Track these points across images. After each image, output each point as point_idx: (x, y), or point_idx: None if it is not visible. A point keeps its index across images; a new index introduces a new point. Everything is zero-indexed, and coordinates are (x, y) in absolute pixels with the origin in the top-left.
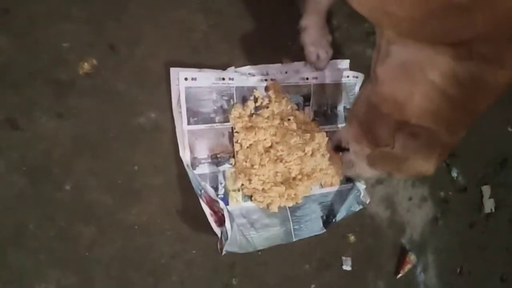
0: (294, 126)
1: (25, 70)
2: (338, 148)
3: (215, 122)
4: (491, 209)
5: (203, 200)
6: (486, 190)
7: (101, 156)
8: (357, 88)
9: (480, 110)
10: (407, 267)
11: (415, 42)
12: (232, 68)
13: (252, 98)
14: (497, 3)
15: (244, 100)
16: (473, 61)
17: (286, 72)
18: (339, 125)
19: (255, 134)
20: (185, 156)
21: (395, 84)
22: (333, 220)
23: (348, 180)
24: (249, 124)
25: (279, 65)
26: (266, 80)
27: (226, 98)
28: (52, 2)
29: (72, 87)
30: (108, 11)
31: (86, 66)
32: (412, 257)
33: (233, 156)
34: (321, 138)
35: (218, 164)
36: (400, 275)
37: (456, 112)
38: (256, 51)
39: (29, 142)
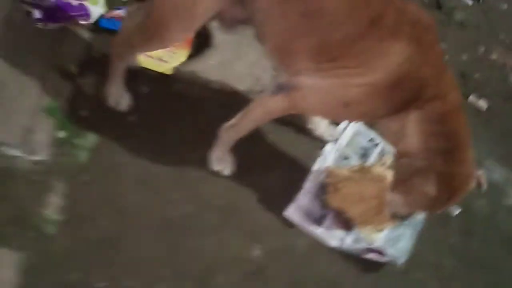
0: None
1: None
2: None
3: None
4: None
5: (367, 256)
6: None
7: None
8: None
9: (466, 134)
10: None
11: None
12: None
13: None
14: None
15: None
16: (429, 103)
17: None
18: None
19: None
20: (333, 243)
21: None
22: None
23: None
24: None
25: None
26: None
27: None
28: None
29: None
30: None
31: None
32: None
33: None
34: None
35: (350, 232)
36: None
37: (447, 145)
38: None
39: None
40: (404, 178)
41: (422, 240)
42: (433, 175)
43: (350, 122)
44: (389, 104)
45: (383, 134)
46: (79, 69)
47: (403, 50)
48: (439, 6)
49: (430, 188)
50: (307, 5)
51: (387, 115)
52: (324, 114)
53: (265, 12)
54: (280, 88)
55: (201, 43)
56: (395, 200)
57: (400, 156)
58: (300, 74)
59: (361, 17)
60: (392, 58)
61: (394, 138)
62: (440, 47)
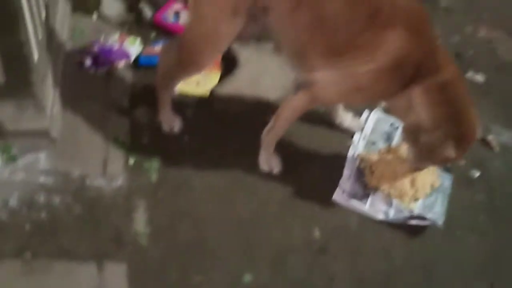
0: (390, 157)
1: None
2: None
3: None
4: None
5: (410, 222)
6: None
7: None
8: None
9: (465, 96)
10: None
11: None
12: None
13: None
14: None
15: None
16: (428, 77)
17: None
18: None
19: (386, 182)
20: (380, 216)
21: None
22: None
23: None
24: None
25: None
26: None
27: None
28: None
29: None
30: None
31: None
32: None
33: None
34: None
35: (391, 205)
36: None
37: (450, 108)
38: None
39: None
40: (426, 152)
41: (453, 202)
42: (449, 141)
43: (365, 104)
44: (394, 84)
45: (395, 114)
46: (131, 104)
47: (400, 37)
48: None
49: (450, 152)
50: (312, 13)
51: (394, 93)
52: (342, 101)
53: (277, 24)
54: (300, 86)
55: (229, 64)
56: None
57: (411, 128)
58: (314, 71)
59: (360, 15)
60: (391, 45)
61: (405, 114)
62: (433, 30)
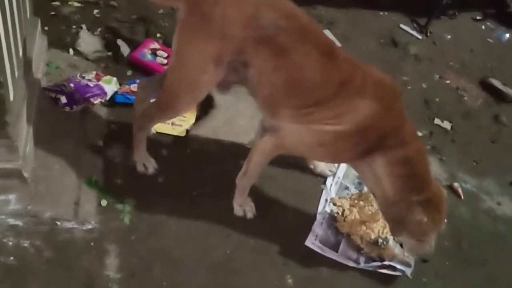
0: (362, 203)
1: None
2: None
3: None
4: None
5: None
6: None
7: None
8: None
9: (427, 170)
10: None
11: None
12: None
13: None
14: None
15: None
16: (392, 150)
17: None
18: None
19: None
20: (351, 264)
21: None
22: None
23: None
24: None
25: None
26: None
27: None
28: None
29: None
30: None
31: None
32: None
33: None
34: None
35: (362, 252)
36: None
37: (411, 180)
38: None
39: None
40: (397, 223)
41: None
42: (415, 206)
43: (326, 162)
44: (356, 148)
45: (362, 179)
46: (105, 143)
47: (368, 106)
48: (395, 44)
49: (419, 216)
50: (289, 75)
51: (354, 157)
52: (304, 152)
53: (255, 79)
54: (266, 130)
55: (205, 105)
56: (406, 242)
57: (380, 200)
58: (282, 121)
59: (333, 81)
60: (359, 112)
61: (371, 183)
62: (401, 103)
